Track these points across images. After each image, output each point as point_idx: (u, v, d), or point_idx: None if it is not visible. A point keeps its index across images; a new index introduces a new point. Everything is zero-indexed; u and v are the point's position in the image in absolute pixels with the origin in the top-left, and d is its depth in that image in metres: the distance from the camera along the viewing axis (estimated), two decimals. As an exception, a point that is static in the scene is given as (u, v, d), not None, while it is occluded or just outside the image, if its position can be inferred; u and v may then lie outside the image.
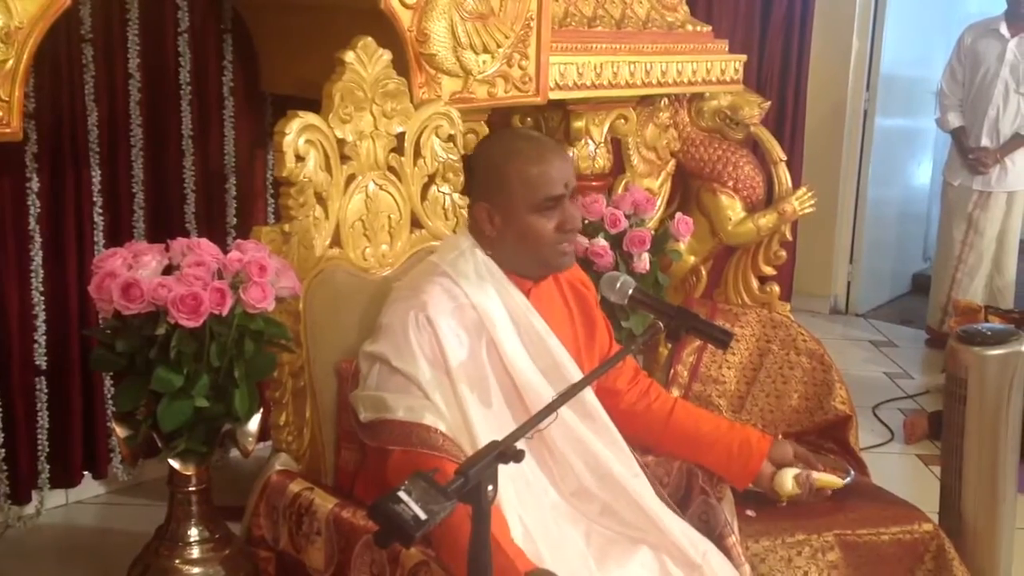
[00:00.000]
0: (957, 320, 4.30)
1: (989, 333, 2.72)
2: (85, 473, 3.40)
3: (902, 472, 3.93)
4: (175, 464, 2.11)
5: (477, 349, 2.05)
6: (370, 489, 2.08)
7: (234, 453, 2.90)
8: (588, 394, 2.12)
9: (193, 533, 2.16)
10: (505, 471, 1.90)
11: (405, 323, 2.01)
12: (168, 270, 2.03)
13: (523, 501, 1.99)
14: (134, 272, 1.97)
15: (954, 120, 5.23)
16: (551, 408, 1.75)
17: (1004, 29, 5.08)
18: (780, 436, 2.68)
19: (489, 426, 1.95)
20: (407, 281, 2.16)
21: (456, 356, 2.01)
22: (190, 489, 2.15)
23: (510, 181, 2.05)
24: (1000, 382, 2.62)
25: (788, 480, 2.30)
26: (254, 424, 2.12)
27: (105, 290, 1.97)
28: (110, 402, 3.29)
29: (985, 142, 5.14)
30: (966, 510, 2.68)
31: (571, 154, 3.47)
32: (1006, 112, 5.10)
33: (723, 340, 2.04)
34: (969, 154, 5.16)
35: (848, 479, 2.43)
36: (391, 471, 1.95)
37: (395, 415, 1.96)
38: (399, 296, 2.11)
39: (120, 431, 2.09)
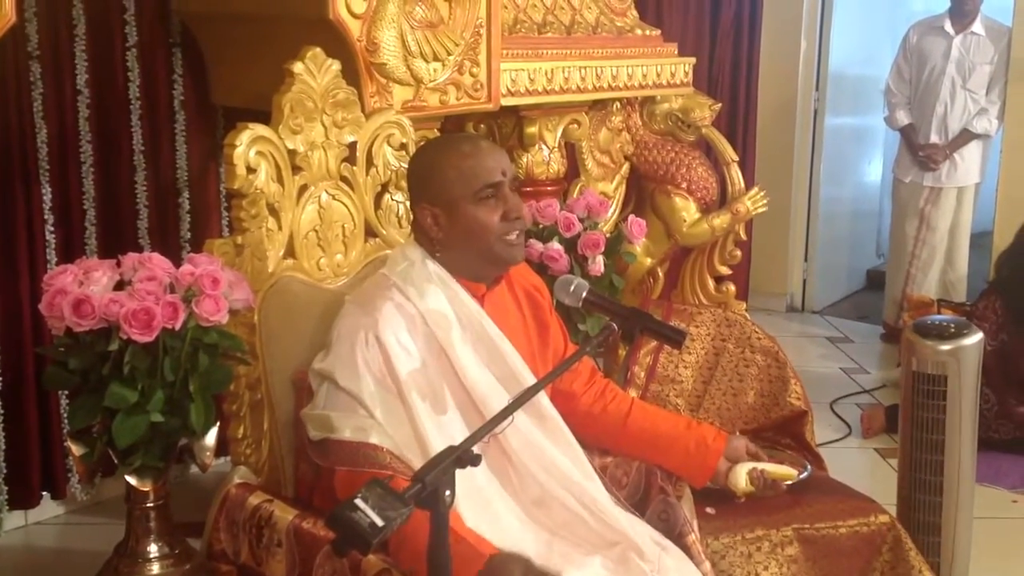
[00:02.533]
0: (910, 314, 4.35)
1: (950, 326, 2.76)
2: (44, 494, 3.36)
3: (861, 466, 3.98)
4: (132, 480, 2.10)
5: (430, 360, 2.05)
6: (328, 500, 2.08)
7: (194, 469, 2.88)
8: (542, 398, 2.12)
9: (152, 549, 2.15)
10: (464, 487, 1.92)
11: (353, 341, 2.01)
12: (120, 286, 2.03)
13: (481, 515, 1.98)
14: (85, 288, 1.96)
15: (903, 118, 5.31)
16: (506, 412, 1.75)
17: (949, 26, 5.16)
18: (737, 432, 2.71)
19: (444, 437, 1.95)
20: (357, 295, 2.15)
21: (407, 370, 2.00)
22: (148, 505, 2.14)
23: (446, 176, 2.06)
24: (964, 374, 2.66)
25: (742, 477, 2.32)
26: (211, 438, 2.11)
27: (56, 307, 1.96)
28: (67, 421, 3.25)
29: (934, 138, 5.21)
30: (942, 505, 2.71)
31: (524, 160, 3.49)
32: (953, 108, 5.17)
33: (677, 339, 2.06)
34: (919, 151, 5.23)
35: (805, 474, 2.45)
36: (339, 491, 1.95)
37: (342, 435, 1.96)
38: (349, 312, 2.10)
39: (75, 449, 2.07)
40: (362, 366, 1.99)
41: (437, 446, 1.86)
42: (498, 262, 2.13)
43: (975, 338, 2.71)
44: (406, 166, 2.54)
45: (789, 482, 2.38)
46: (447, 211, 2.07)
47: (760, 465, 2.35)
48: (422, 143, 2.41)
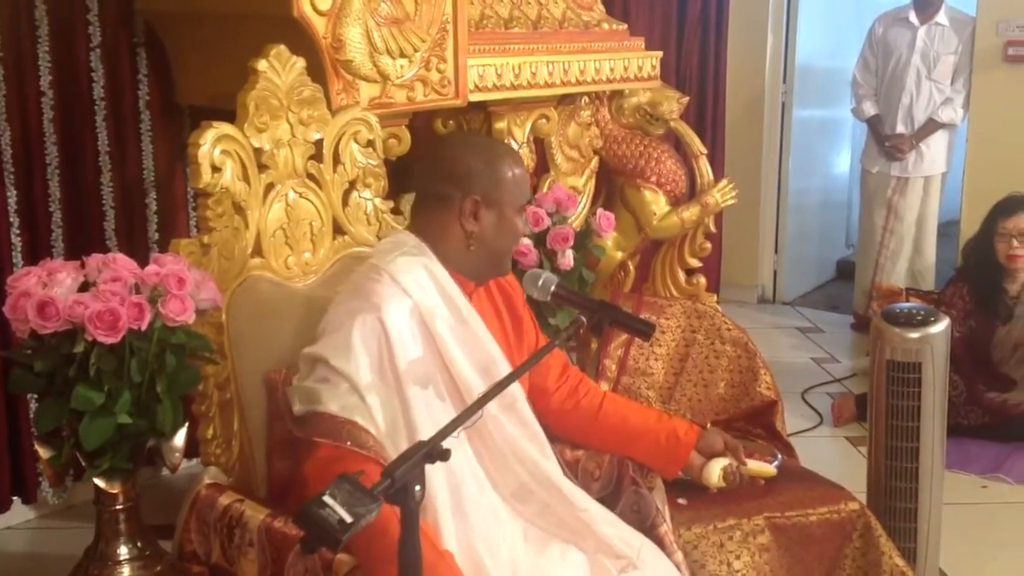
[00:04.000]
0: (880, 303, 4.39)
1: (919, 314, 2.78)
2: (14, 498, 3.33)
3: (832, 454, 4.00)
4: (100, 483, 2.08)
5: (424, 349, 2.05)
6: (301, 498, 2.07)
7: (164, 471, 2.86)
8: (521, 400, 2.14)
9: (123, 551, 2.14)
10: (443, 474, 1.92)
11: (351, 326, 1.99)
12: (85, 287, 2.01)
13: (459, 502, 1.99)
14: (49, 290, 1.95)
15: (869, 109, 5.35)
16: (478, 405, 1.76)
17: (913, 17, 5.20)
18: (709, 425, 2.72)
19: (436, 425, 1.94)
20: (350, 286, 2.13)
21: (406, 358, 2.01)
22: (117, 507, 2.13)
23: (504, 179, 2.12)
24: (926, 361, 2.68)
25: (715, 474, 2.33)
26: (180, 439, 2.10)
27: (20, 310, 1.94)
28: (34, 425, 3.23)
29: (900, 129, 5.25)
30: (918, 491, 2.73)
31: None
32: (919, 98, 5.22)
33: (645, 331, 2.07)
34: (885, 141, 5.27)
35: (776, 463, 2.47)
36: (316, 464, 1.94)
37: (328, 408, 1.95)
38: (344, 301, 2.09)
39: (43, 452, 2.06)
40: (359, 350, 1.98)
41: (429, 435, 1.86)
42: (499, 268, 2.21)
43: (943, 325, 2.74)
44: (375, 163, 2.55)
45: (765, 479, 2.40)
46: (496, 210, 2.11)
47: (743, 463, 2.36)
48: (448, 135, 2.44)
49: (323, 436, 1.95)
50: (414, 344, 2.03)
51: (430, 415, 2.00)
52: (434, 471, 1.74)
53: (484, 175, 2.11)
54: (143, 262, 2.10)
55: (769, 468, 2.42)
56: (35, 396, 3.14)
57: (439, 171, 2.15)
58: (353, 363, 1.98)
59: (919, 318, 2.74)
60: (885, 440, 2.75)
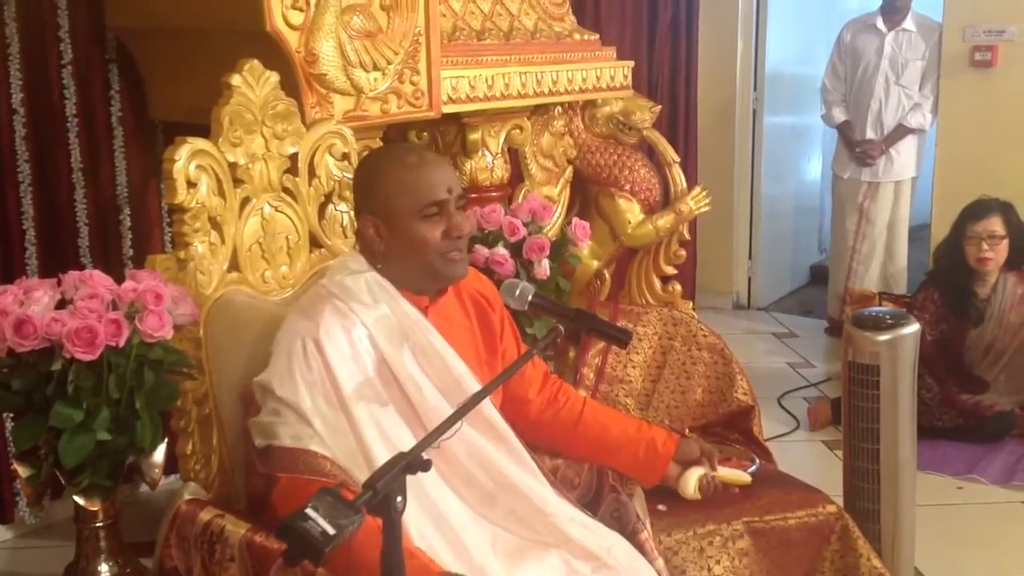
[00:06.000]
0: (853, 307, 4.42)
1: (886, 317, 2.81)
2: (-9, 519, 3.31)
3: (809, 458, 4.03)
4: (80, 500, 2.08)
5: (370, 370, 2.04)
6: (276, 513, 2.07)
7: (143, 488, 2.85)
8: (487, 407, 2.11)
9: (103, 569, 2.14)
10: (410, 484, 1.91)
11: (291, 351, 2.00)
12: (61, 304, 2.01)
13: (424, 511, 1.98)
14: (26, 308, 1.94)
15: (839, 115, 5.40)
16: (454, 418, 1.76)
17: (881, 23, 5.26)
18: (687, 431, 2.74)
19: (389, 447, 1.93)
20: (298, 307, 2.14)
21: (349, 379, 2.00)
22: (97, 525, 2.13)
23: (391, 189, 2.05)
24: (892, 364, 2.71)
25: (691, 484, 2.34)
26: (159, 455, 2.10)
27: (-3, 328, 1.93)
28: (12, 443, 3.21)
29: (870, 134, 5.31)
30: (880, 491, 2.76)
31: (468, 166, 3.50)
32: (888, 104, 5.28)
33: (622, 339, 2.07)
34: (856, 147, 5.32)
35: (753, 467, 2.49)
36: (278, 497, 1.95)
37: (282, 442, 1.96)
38: (289, 323, 2.09)
39: (22, 471, 2.05)
40: (298, 376, 1.98)
41: (382, 457, 1.84)
42: (438, 278, 2.12)
43: (908, 329, 2.76)
44: (350, 176, 2.55)
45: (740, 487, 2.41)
46: (389, 224, 2.06)
47: (715, 471, 2.37)
48: (366, 152, 2.40)
49: (282, 469, 1.95)
50: (358, 365, 2.02)
51: (383, 437, 1.98)
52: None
53: (372, 190, 2.08)
54: (118, 279, 2.10)
55: (744, 476, 2.43)
56: (11, 415, 3.14)
57: (353, 192, 2.17)
58: (293, 389, 1.97)
59: (887, 322, 2.77)
60: (850, 442, 2.79)
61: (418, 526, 1.95)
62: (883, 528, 2.72)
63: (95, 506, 2.10)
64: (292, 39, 2.77)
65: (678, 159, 4.11)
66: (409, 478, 1.57)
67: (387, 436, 1.99)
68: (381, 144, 3.11)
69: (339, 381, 1.99)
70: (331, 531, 1.41)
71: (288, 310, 2.19)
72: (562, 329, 2.04)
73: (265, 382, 2.02)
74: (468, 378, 2.10)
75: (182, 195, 2.19)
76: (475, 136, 3.50)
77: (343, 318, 2.04)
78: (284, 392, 1.98)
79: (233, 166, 2.31)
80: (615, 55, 3.97)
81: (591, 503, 2.24)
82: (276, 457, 1.97)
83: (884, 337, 2.71)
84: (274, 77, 2.42)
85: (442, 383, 2.08)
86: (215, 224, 2.28)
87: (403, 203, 2.04)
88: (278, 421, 1.98)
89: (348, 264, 2.13)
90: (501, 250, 3.06)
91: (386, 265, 2.10)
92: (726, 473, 2.41)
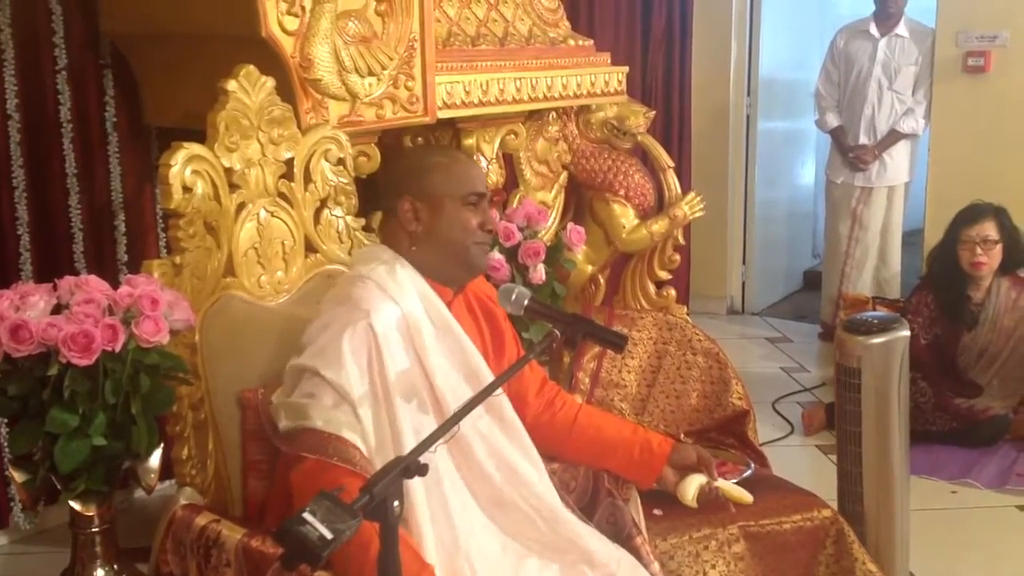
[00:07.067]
0: (847, 312, 4.43)
1: (873, 322, 2.81)
2: (-14, 524, 3.31)
3: (804, 463, 4.04)
4: (76, 506, 2.07)
5: (408, 360, 2.05)
6: (280, 513, 2.07)
7: (139, 493, 2.85)
8: (505, 403, 2.14)
9: (99, 575, 2.13)
10: (424, 485, 1.92)
11: (341, 334, 1.99)
12: (57, 310, 2.01)
13: (441, 512, 1.99)
14: (22, 314, 1.94)
15: (832, 120, 5.42)
16: (455, 419, 1.77)
17: (874, 29, 5.28)
18: (683, 436, 2.74)
19: (417, 439, 1.94)
20: (336, 296, 2.13)
21: (395, 368, 2.01)
22: (93, 530, 2.12)
23: (438, 175, 2.12)
24: (885, 368, 2.72)
25: (690, 492, 2.34)
26: (155, 460, 2.10)
27: (-7, 334, 1.93)
28: (7, 448, 3.20)
29: (863, 140, 5.32)
30: (863, 494, 2.76)
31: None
32: (881, 109, 5.29)
33: (618, 344, 2.08)
34: (849, 152, 5.34)
35: (748, 472, 2.49)
36: (300, 479, 1.94)
37: (314, 424, 1.95)
38: (330, 309, 2.09)
39: (17, 476, 2.05)
40: (348, 359, 1.97)
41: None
42: (469, 266, 2.17)
43: (894, 334, 2.75)
44: (345, 181, 2.56)
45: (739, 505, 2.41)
46: (431, 206, 2.11)
47: (718, 483, 2.37)
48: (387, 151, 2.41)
49: (310, 451, 1.94)
50: (401, 354, 2.04)
51: (414, 428, 2.00)
52: (416, 481, 1.74)
53: (414, 173, 2.14)
54: (113, 284, 2.10)
55: (746, 495, 2.42)
56: (6, 420, 3.13)
57: (383, 185, 2.20)
58: (345, 373, 1.97)
59: (876, 326, 2.77)
60: (837, 444, 2.79)
61: (432, 524, 1.96)
62: (869, 531, 2.72)
63: (91, 511, 2.09)
64: (287, 44, 2.77)
65: (672, 164, 4.12)
66: (428, 478, 1.57)
67: (420, 430, 1.98)
68: (376, 149, 3.12)
69: (387, 370, 2.00)
70: (329, 535, 1.42)
71: (285, 314, 2.20)
72: (558, 333, 2.05)
73: (306, 365, 2.01)
74: (486, 372, 2.13)
75: (178, 200, 2.20)
76: (470, 141, 3.51)
77: (388, 304, 2.05)
78: (331, 374, 1.97)
79: (229, 171, 2.31)
80: (609, 61, 3.98)
81: (587, 507, 2.25)
82: (305, 438, 1.96)
83: (868, 341, 2.71)
84: (270, 82, 2.42)
85: (466, 374, 2.11)
86: (211, 229, 2.28)
87: (451, 187, 2.12)
88: (312, 403, 1.97)
89: (379, 254, 2.15)
90: (497, 255, 3.07)
91: (419, 248, 2.12)
92: (729, 488, 2.40)
